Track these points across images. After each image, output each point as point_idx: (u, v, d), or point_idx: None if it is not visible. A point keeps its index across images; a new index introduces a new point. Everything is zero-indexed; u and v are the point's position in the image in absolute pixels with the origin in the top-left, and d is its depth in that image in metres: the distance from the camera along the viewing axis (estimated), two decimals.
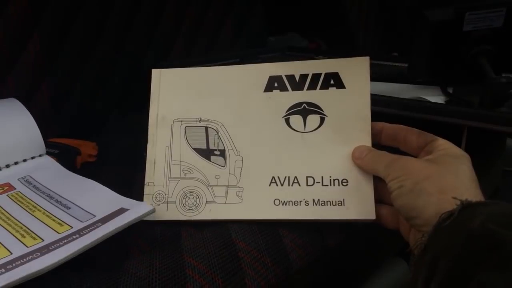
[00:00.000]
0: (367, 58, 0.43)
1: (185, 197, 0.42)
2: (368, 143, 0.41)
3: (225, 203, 0.42)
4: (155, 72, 0.46)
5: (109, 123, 0.74)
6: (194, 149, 0.44)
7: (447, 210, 0.30)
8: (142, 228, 0.37)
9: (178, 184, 0.43)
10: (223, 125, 0.44)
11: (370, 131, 0.41)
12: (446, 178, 0.33)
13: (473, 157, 0.36)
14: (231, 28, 0.93)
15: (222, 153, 0.43)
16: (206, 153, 0.43)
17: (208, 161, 0.43)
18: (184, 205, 0.42)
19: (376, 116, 0.45)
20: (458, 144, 0.53)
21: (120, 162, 0.58)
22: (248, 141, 0.43)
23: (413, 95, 0.61)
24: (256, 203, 0.41)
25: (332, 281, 0.44)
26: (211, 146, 0.43)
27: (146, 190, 0.43)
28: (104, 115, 0.74)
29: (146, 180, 0.43)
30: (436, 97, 0.60)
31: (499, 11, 0.56)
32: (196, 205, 0.42)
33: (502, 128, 0.49)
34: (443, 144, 0.37)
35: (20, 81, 0.62)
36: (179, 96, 0.45)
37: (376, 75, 0.68)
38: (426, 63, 0.60)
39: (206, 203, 0.42)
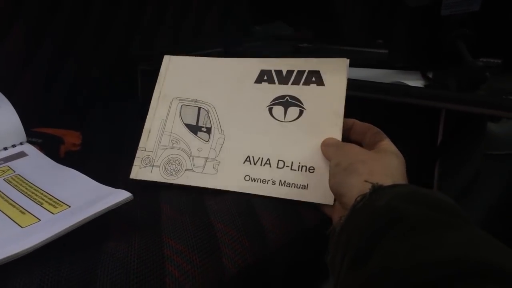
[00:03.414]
0: (346, 59, 0.47)
1: (168, 163, 0.47)
2: (339, 137, 0.44)
3: (201, 172, 0.46)
4: (165, 58, 0.53)
5: (93, 113, 0.74)
6: (185, 124, 0.49)
7: (365, 192, 0.33)
8: (123, 211, 0.37)
9: (165, 151, 0.48)
10: (214, 107, 0.49)
11: (342, 126, 0.44)
12: (377, 165, 0.37)
13: (454, 142, 0.37)
14: (217, 16, 0.93)
15: (208, 130, 0.48)
16: (194, 128, 0.48)
17: (194, 135, 0.48)
18: (166, 169, 0.47)
19: (356, 100, 0.47)
20: (437, 127, 0.55)
21: (104, 150, 0.58)
22: (233, 124, 0.48)
23: (394, 80, 0.62)
24: (228, 176, 0.45)
25: (309, 261, 0.45)
26: (200, 124, 0.48)
27: (138, 153, 0.48)
28: (88, 105, 0.74)
29: (140, 145, 0.49)
30: (415, 82, 0.61)
31: None
32: (177, 171, 0.47)
33: (477, 110, 0.50)
34: (386, 143, 0.41)
35: (3, 73, 0.62)
36: (181, 79, 0.51)
37: (359, 61, 0.70)
38: (405, 48, 0.61)
39: (185, 170, 0.47)
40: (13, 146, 0.48)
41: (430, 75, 0.62)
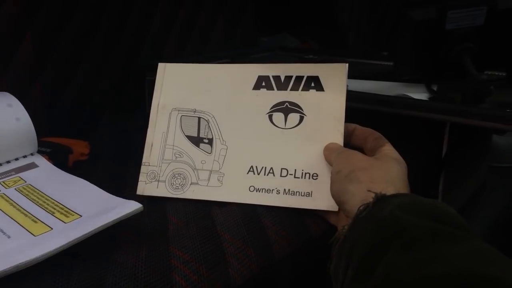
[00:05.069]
0: (345, 64, 0.47)
1: (173, 177, 0.47)
2: (341, 142, 0.44)
3: (207, 185, 0.46)
4: (160, 66, 0.52)
5: (101, 123, 0.75)
6: (186, 136, 0.49)
7: (368, 201, 0.33)
8: (131, 221, 0.38)
9: (169, 165, 0.48)
10: (214, 116, 0.49)
11: (343, 131, 0.45)
12: (378, 172, 0.37)
13: (458, 154, 0.38)
14: (223, 28, 0.94)
15: (210, 142, 0.48)
16: (196, 140, 0.48)
17: (197, 147, 0.48)
18: (172, 184, 0.47)
19: (361, 112, 0.47)
20: (441, 140, 0.55)
21: (111, 160, 0.59)
22: (234, 133, 0.47)
23: (398, 92, 0.62)
24: (233, 188, 0.45)
25: (314, 271, 0.45)
26: (201, 135, 0.48)
27: (142, 169, 0.48)
28: (97, 115, 0.75)
29: (143, 160, 0.48)
30: (420, 94, 0.61)
31: (480, 9, 0.57)
32: (182, 185, 0.47)
33: (481, 123, 0.50)
34: (387, 149, 0.41)
35: (13, 81, 0.63)
36: (178, 88, 0.50)
37: (364, 73, 0.70)
38: (410, 61, 0.61)
39: (190, 184, 0.47)
40: (24, 156, 0.49)
41: (435, 88, 0.62)
